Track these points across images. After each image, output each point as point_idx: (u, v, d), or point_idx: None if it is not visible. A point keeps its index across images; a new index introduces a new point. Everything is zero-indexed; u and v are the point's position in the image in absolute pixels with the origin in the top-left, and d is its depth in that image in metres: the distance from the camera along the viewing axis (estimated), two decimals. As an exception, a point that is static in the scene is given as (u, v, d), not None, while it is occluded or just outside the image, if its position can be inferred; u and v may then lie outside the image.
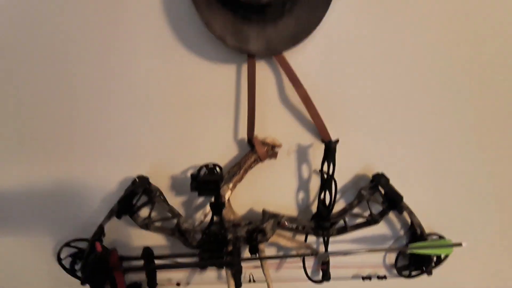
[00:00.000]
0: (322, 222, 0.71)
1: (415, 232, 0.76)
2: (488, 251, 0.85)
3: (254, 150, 0.70)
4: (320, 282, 0.76)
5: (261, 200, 0.78)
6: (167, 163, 0.75)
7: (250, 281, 0.80)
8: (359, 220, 0.75)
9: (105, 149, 0.73)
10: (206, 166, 0.66)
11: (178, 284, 0.82)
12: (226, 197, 0.68)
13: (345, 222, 0.73)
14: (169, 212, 0.72)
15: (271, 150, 0.71)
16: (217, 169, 0.66)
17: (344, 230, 0.74)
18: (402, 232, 0.82)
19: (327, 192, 0.68)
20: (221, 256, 0.65)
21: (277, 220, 0.70)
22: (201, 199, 0.78)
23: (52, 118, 0.71)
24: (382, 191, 0.73)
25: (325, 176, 0.68)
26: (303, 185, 0.77)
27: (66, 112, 0.70)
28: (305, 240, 0.78)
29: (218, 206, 0.63)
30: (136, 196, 0.72)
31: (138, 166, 0.75)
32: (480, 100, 0.71)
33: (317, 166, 0.74)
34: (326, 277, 0.79)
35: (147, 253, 0.65)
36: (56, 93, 0.69)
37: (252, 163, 0.71)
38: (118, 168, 0.75)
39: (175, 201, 0.77)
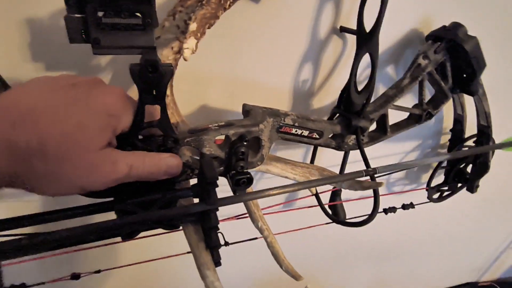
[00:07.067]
0: (357, 119, 0.38)
1: (460, 130, 0.52)
2: None
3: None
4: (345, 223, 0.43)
5: (228, 78, 0.40)
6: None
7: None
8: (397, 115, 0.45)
9: None
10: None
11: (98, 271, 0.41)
12: (187, 54, 0.28)
13: (384, 118, 0.42)
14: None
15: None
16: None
17: (382, 133, 0.43)
18: (430, 133, 0.57)
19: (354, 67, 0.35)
20: (165, 203, 0.27)
21: (279, 122, 0.34)
22: (103, 63, 0.35)
23: None
24: (447, 60, 0.43)
25: (364, 32, 0.35)
26: (314, 51, 0.42)
27: None
28: (313, 158, 0.45)
29: (158, 82, 0.22)
30: None
31: None
32: None
33: (350, 18, 0.40)
34: (340, 214, 0.50)
35: None
36: None
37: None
38: None
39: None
